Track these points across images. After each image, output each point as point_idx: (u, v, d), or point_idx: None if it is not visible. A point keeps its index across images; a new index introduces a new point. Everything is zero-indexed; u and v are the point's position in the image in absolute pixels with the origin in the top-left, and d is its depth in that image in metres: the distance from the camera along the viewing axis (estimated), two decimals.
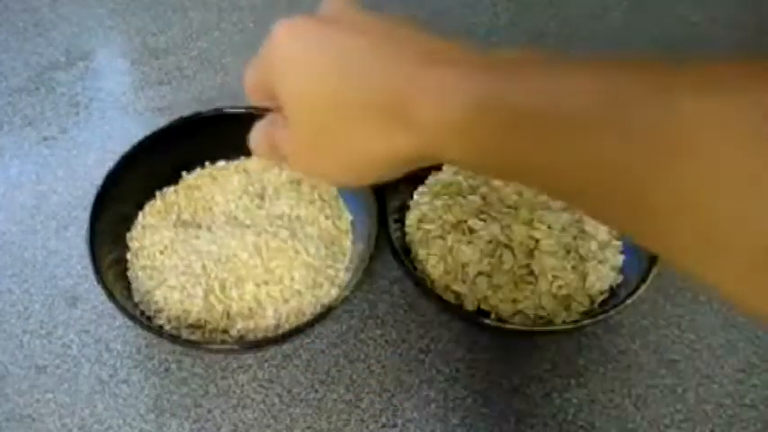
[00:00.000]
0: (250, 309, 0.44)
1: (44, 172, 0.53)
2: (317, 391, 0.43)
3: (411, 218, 0.48)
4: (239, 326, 0.43)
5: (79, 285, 0.47)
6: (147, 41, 0.62)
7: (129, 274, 0.45)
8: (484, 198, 0.47)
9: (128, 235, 0.47)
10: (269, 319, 0.43)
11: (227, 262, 0.45)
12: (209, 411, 0.42)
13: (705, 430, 0.42)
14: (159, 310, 0.44)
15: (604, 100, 0.23)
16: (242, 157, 0.51)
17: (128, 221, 0.48)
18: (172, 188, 0.50)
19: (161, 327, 0.43)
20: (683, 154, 0.20)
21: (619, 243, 0.46)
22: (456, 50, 0.28)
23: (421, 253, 0.46)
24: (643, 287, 0.41)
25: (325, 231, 0.48)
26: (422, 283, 0.43)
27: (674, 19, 0.65)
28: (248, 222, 0.47)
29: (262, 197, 0.49)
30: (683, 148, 0.20)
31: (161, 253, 0.46)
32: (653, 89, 0.22)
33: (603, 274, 0.45)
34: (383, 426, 0.42)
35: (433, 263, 0.45)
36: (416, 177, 0.49)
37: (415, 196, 0.49)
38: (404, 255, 0.44)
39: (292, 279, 0.44)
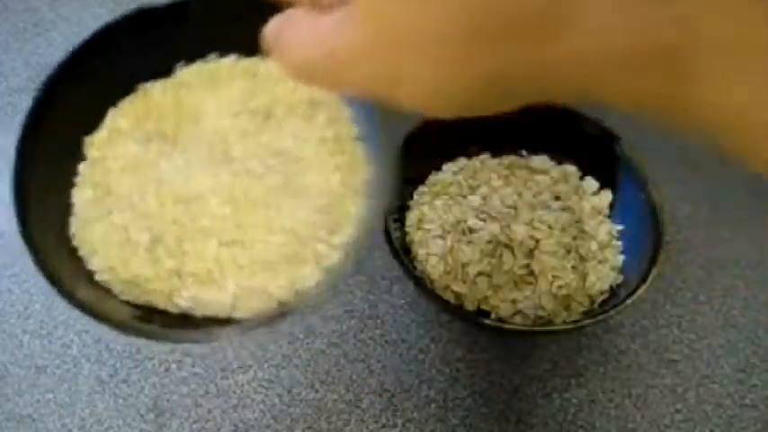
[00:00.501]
0: (207, 272, 0.34)
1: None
2: (317, 391, 0.43)
3: (411, 218, 0.48)
4: (187, 293, 0.34)
5: None
6: None
7: (73, 191, 0.36)
8: (484, 198, 0.47)
9: (87, 139, 0.37)
10: (226, 293, 0.34)
11: (190, 203, 0.35)
12: (209, 411, 0.42)
13: (705, 430, 0.42)
14: (93, 252, 0.35)
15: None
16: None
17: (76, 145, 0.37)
18: (159, 83, 0.38)
19: (110, 318, 0.34)
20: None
21: (619, 243, 0.46)
22: None
23: (421, 253, 0.46)
24: (643, 287, 0.41)
25: (327, 187, 0.35)
26: (422, 283, 0.43)
27: None
28: (234, 153, 0.36)
29: (267, 116, 0.37)
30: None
31: (121, 170, 0.36)
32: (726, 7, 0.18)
33: (603, 274, 0.45)
34: (383, 426, 0.42)
35: (433, 263, 0.45)
36: (416, 177, 0.49)
37: (415, 196, 0.49)
38: (404, 255, 0.44)
39: (266, 246, 0.34)
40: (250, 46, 0.29)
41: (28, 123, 0.36)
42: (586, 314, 0.43)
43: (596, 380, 0.44)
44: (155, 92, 0.37)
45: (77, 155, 0.37)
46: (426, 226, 0.46)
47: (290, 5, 0.24)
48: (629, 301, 0.41)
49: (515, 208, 0.47)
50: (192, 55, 0.38)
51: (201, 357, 0.44)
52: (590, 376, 0.44)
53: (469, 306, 0.44)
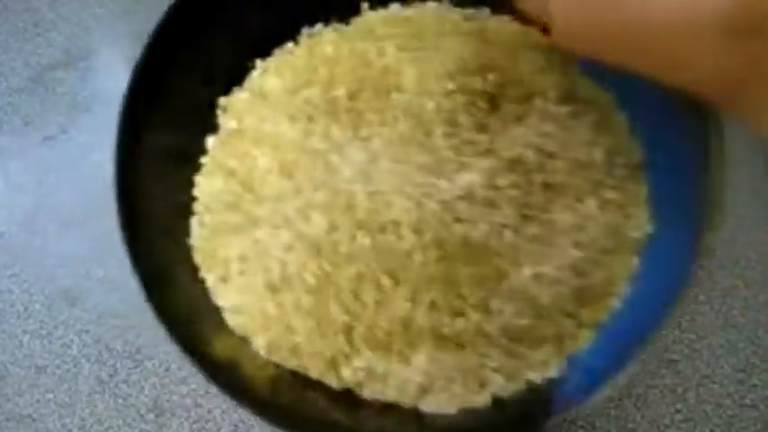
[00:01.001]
0: (391, 336, 0.23)
1: (44, 172, 0.53)
2: None
3: None
4: (359, 362, 0.23)
5: (79, 285, 0.47)
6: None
7: (198, 177, 0.27)
8: None
9: (222, 100, 0.27)
10: (414, 370, 0.22)
11: (378, 231, 0.23)
12: (209, 411, 0.42)
13: (705, 430, 0.42)
14: (223, 283, 0.26)
15: None
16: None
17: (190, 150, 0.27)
18: (331, 29, 0.26)
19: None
20: None
21: None
22: None
23: None
24: None
25: (585, 236, 0.24)
26: None
27: None
28: (444, 155, 0.23)
29: (497, 103, 0.24)
30: None
31: (270, 160, 0.24)
32: None
33: None
34: None
35: None
36: None
37: None
38: None
39: (485, 313, 0.23)
40: None
41: (135, 82, 0.23)
42: None
43: None
44: (324, 41, 0.24)
45: (204, 122, 0.26)
46: None
47: None
48: None
49: None
50: None
51: None
52: None
53: None
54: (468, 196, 0.22)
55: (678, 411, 0.43)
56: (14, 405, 0.42)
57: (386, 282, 0.22)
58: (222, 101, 0.27)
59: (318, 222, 0.22)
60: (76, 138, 0.55)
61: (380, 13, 0.26)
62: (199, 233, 0.26)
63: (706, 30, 0.17)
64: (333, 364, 0.23)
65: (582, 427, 0.42)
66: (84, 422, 0.42)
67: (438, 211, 0.22)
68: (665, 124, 0.24)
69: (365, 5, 0.26)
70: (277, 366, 0.24)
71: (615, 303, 0.25)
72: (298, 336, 0.23)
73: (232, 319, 0.25)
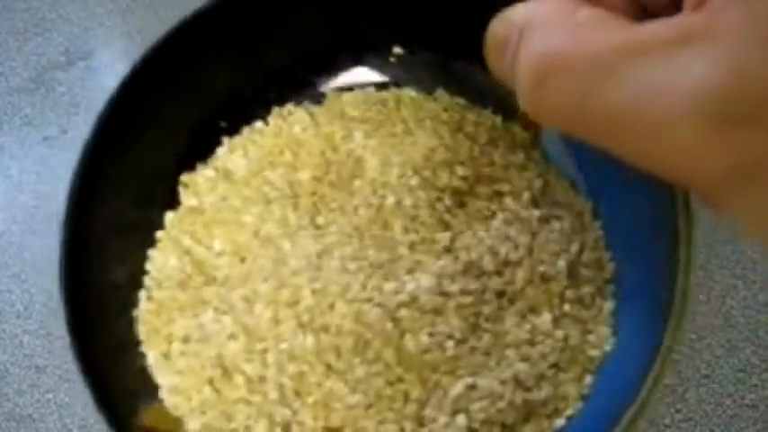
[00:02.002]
0: None
1: (44, 172, 0.53)
2: None
3: None
4: None
5: None
6: (148, 41, 0.62)
7: (151, 252, 0.27)
8: None
9: (184, 177, 0.27)
10: None
11: (323, 332, 0.22)
12: None
13: (705, 430, 0.42)
14: (164, 363, 0.25)
15: None
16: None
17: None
18: (302, 108, 0.26)
19: None
20: None
21: None
22: None
23: None
24: None
25: (541, 350, 0.24)
26: None
27: None
28: (402, 252, 0.23)
29: (462, 202, 0.24)
30: None
31: (226, 241, 0.24)
32: None
33: None
34: None
35: None
36: None
37: None
38: None
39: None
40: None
41: (92, 140, 0.22)
42: None
43: None
44: (293, 121, 0.24)
45: (164, 198, 0.25)
46: None
47: None
48: None
49: None
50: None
51: None
52: None
53: None
54: (413, 303, 0.21)
55: (678, 411, 0.43)
56: (14, 405, 0.42)
57: (326, 383, 0.21)
58: (184, 177, 0.26)
59: (262, 314, 0.22)
60: (76, 138, 0.55)
61: (356, 94, 0.26)
62: (146, 307, 0.26)
63: (686, 119, 0.14)
64: None
65: None
66: (84, 422, 0.42)
67: (380, 319, 0.21)
68: (636, 232, 0.23)
69: (334, 85, 0.25)
70: None
71: (561, 422, 0.23)
72: (234, 423, 0.23)
73: (169, 398, 0.24)
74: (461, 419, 0.21)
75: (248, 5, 0.26)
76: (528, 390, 0.22)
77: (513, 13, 0.16)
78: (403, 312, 0.21)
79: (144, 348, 0.25)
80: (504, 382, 0.21)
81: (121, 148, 0.26)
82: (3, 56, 0.61)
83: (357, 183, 0.23)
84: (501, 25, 0.16)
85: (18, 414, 0.42)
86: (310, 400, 0.21)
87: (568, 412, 0.23)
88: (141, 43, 0.63)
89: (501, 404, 0.21)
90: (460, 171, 0.22)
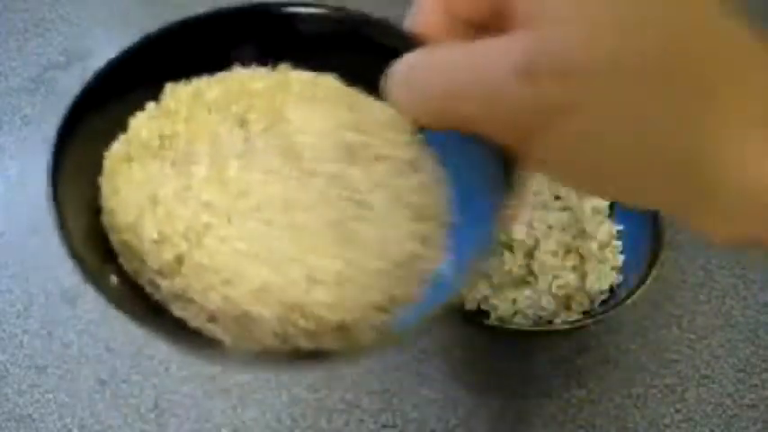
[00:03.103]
0: (217, 272, 0.27)
1: (44, 172, 0.53)
2: (317, 391, 0.43)
3: None
4: (179, 286, 0.28)
5: (79, 285, 0.47)
6: None
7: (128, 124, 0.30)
8: None
9: (168, 85, 0.31)
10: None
11: (237, 196, 0.29)
12: (209, 411, 0.42)
13: (705, 430, 0.42)
14: (115, 191, 0.30)
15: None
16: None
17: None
18: (261, 70, 0.32)
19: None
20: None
21: (619, 243, 0.46)
22: None
23: None
24: (643, 287, 0.41)
25: (388, 252, 0.29)
26: None
27: None
28: (307, 168, 0.30)
29: (354, 158, 0.30)
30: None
31: (182, 122, 0.30)
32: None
33: (603, 273, 0.45)
34: (383, 426, 0.42)
35: None
36: None
37: None
38: None
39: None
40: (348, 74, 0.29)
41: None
42: (586, 314, 0.43)
43: (596, 380, 0.44)
44: (254, 78, 0.32)
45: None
46: None
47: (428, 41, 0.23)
48: (629, 301, 0.41)
49: None
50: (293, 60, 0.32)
51: (200, 357, 0.44)
52: (590, 376, 0.44)
53: (469, 306, 0.44)
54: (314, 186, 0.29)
55: (678, 411, 0.43)
56: (14, 405, 0.42)
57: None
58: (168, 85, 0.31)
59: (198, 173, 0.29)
60: None
61: (297, 73, 0.32)
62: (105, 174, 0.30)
63: (509, 77, 0.20)
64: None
65: (581, 426, 0.42)
66: (84, 422, 0.42)
67: (284, 192, 0.28)
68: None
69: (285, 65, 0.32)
70: None
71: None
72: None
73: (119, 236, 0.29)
74: None
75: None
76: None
77: (407, 58, 0.23)
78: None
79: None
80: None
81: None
82: (3, 56, 0.61)
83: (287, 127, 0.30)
84: (399, 66, 0.23)
85: (18, 414, 0.42)
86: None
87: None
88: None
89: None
90: (363, 138, 0.30)
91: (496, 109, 0.20)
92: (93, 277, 0.26)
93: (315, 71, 0.32)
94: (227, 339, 0.27)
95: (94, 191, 0.29)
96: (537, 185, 0.48)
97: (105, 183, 0.29)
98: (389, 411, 0.42)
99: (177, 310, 0.27)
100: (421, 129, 0.29)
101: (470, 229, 0.29)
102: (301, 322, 0.27)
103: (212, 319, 0.27)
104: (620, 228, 0.46)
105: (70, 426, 0.42)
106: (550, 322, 0.43)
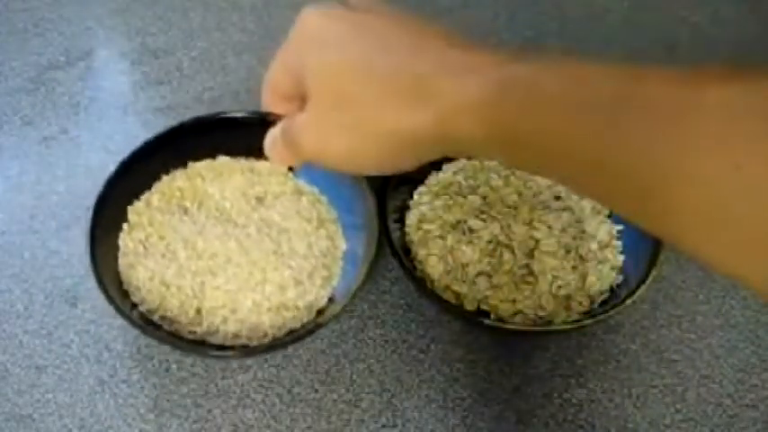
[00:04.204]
0: (224, 308, 0.43)
1: (44, 172, 0.53)
2: (316, 391, 0.43)
3: (411, 218, 0.48)
4: (206, 325, 0.43)
5: (79, 285, 0.47)
6: (147, 41, 0.62)
7: (119, 242, 0.45)
8: (484, 198, 0.47)
9: (129, 208, 0.47)
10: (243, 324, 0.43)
11: (210, 258, 0.44)
12: (209, 411, 0.42)
13: (705, 430, 0.42)
14: (137, 288, 0.44)
15: (629, 84, 0.23)
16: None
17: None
18: (179, 171, 0.49)
19: (160, 327, 0.42)
20: (705, 137, 0.21)
21: (619, 243, 0.46)
22: (483, 46, 0.29)
23: (421, 253, 0.46)
24: (643, 287, 0.41)
25: (311, 252, 0.45)
26: (422, 284, 0.43)
27: (674, 19, 0.65)
28: (240, 222, 0.46)
29: (261, 201, 0.48)
30: (706, 133, 0.21)
31: (150, 227, 0.46)
32: (678, 78, 0.23)
33: (603, 274, 0.45)
34: (383, 426, 0.42)
35: (432, 263, 0.45)
36: (416, 177, 0.49)
37: (415, 196, 0.49)
38: (404, 255, 0.44)
39: (262, 294, 0.43)
40: (249, 151, 0.47)
41: (102, 195, 0.44)
42: (586, 314, 0.43)
43: (596, 380, 0.44)
44: (176, 178, 0.48)
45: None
46: (426, 226, 0.46)
47: (279, 118, 0.35)
48: (629, 301, 0.41)
49: (515, 208, 0.47)
50: (207, 155, 0.49)
51: (202, 357, 0.44)
52: (590, 376, 0.44)
53: (469, 306, 0.44)
54: (249, 237, 0.46)
55: (678, 411, 0.43)
56: (14, 405, 0.42)
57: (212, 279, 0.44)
58: (129, 208, 0.47)
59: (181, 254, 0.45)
60: (76, 138, 0.55)
61: (216, 161, 0.50)
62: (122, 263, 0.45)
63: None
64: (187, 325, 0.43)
65: (581, 426, 0.42)
66: (84, 422, 0.42)
67: (234, 246, 0.45)
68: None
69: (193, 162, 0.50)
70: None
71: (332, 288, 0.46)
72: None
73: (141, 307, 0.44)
74: None
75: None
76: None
77: (277, 128, 0.35)
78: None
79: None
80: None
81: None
82: (3, 56, 0.61)
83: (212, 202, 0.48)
84: (269, 137, 0.36)
85: (18, 414, 0.42)
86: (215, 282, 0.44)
87: None
88: (141, 43, 0.63)
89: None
90: (259, 188, 0.48)
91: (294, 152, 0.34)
92: (123, 313, 0.39)
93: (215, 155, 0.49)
94: (238, 342, 0.42)
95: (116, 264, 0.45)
96: (537, 186, 0.48)
97: (124, 276, 0.44)
98: (389, 411, 0.42)
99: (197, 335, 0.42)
100: (290, 168, 0.48)
101: (356, 222, 0.45)
102: (279, 319, 0.43)
103: (227, 335, 0.42)
104: (620, 228, 0.47)
105: (70, 426, 0.42)
106: (550, 322, 0.43)
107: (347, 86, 0.29)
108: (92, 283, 0.41)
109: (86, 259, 0.42)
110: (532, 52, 0.28)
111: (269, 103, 0.36)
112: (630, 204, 0.24)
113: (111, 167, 0.45)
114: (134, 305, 0.43)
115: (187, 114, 0.49)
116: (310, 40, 0.31)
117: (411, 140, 0.29)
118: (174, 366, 0.44)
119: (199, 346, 0.42)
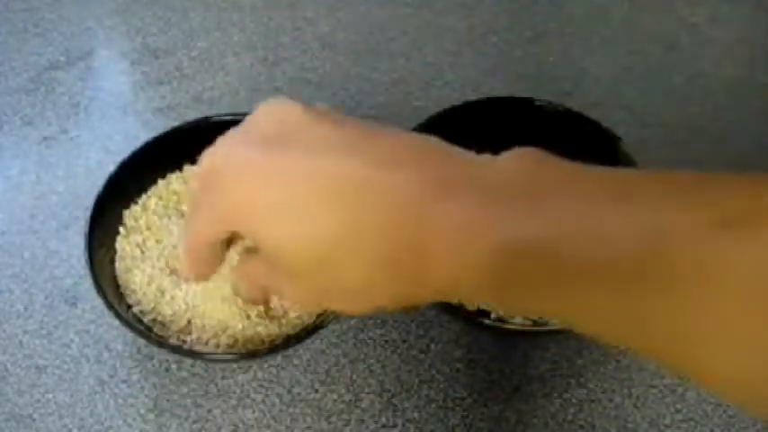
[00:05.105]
0: (216, 326, 0.42)
1: (44, 172, 0.53)
2: (316, 392, 0.43)
3: None
4: (196, 336, 0.42)
5: (79, 285, 0.47)
6: (147, 41, 0.62)
7: (116, 245, 0.45)
8: None
9: (126, 212, 0.46)
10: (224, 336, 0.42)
11: None
12: (209, 411, 0.42)
13: (705, 430, 0.42)
14: (133, 292, 0.44)
15: (647, 246, 0.21)
16: None
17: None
18: (175, 175, 0.49)
19: (160, 337, 0.41)
20: (727, 296, 0.20)
21: None
22: (463, 165, 0.25)
23: None
24: None
25: None
26: None
27: (674, 19, 0.65)
28: None
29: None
30: (728, 291, 0.20)
31: (147, 231, 0.46)
32: (697, 228, 0.21)
33: None
34: (383, 426, 0.42)
35: None
36: None
37: None
38: None
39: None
40: None
41: (101, 196, 0.45)
42: None
43: (596, 380, 0.44)
44: (171, 182, 0.48)
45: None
46: None
47: None
48: None
49: None
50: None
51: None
52: (590, 376, 0.44)
53: (469, 306, 0.44)
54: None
55: (678, 411, 0.43)
56: (14, 405, 0.42)
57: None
58: (126, 212, 0.47)
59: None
60: (76, 138, 0.55)
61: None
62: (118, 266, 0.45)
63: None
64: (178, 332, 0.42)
65: (582, 426, 0.42)
66: (84, 422, 0.42)
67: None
68: None
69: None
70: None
71: None
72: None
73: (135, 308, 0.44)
74: None
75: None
76: None
77: (241, 274, 0.39)
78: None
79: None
80: None
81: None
82: (3, 56, 0.61)
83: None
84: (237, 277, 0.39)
85: (18, 414, 0.42)
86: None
87: None
88: (141, 43, 0.63)
89: None
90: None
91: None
92: (122, 318, 0.40)
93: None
94: (220, 348, 0.41)
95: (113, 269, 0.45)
96: None
97: (121, 280, 0.44)
98: (389, 411, 0.42)
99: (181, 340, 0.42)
100: None
101: None
102: (274, 328, 0.42)
103: (219, 347, 0.41)
104: None
105: (70, 426, 0.42)
106: (550, 322, 0.43)
107: (321, 261, 0.27)
108: (92, 283, 0.41)
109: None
110: (522, 163, 0.25)
111: (190, 256, 0.35)
112: (651, 356, 0.24)
113: (111, 167, 0.45)
114: (129, 306, 0.43)
115: (187, 114, 0.49)
116: (255, 207, 0.27)
117: (409, 303, 0.28)
118: (173, 366, 0.44)
119: (197, 351, 0.41)
